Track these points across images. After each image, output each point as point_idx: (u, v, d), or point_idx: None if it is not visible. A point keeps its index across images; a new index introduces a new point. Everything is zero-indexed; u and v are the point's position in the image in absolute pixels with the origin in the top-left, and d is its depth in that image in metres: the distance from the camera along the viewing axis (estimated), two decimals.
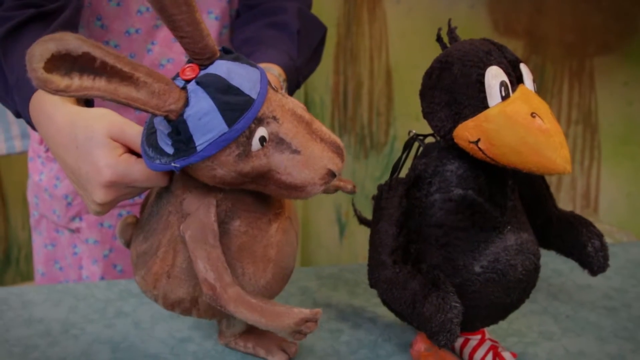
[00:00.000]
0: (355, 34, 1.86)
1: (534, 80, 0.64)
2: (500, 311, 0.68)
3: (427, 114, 0.66)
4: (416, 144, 0.71)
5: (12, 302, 0.88)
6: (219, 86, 0.55)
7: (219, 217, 0.63)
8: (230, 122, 0.55)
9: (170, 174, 0.64)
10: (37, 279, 1.19)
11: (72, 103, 0.69)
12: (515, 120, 0.60)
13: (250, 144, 0.57)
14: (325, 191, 0.68)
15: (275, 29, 0.95)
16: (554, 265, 0.97)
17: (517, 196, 0.68)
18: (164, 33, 0.99)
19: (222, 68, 0.57)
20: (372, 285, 0.67)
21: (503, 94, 0.61)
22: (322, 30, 1.02)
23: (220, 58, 0.58)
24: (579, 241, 0.71)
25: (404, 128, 1.88)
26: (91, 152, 0.62)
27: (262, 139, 0.57)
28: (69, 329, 0.82)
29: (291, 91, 0.92)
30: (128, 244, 0.72)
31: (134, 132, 0.63)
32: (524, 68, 0.63)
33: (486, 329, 0.76)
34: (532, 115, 0.59)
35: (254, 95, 0.56)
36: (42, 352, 0.78)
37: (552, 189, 0.74)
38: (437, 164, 0.66)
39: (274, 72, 0.84)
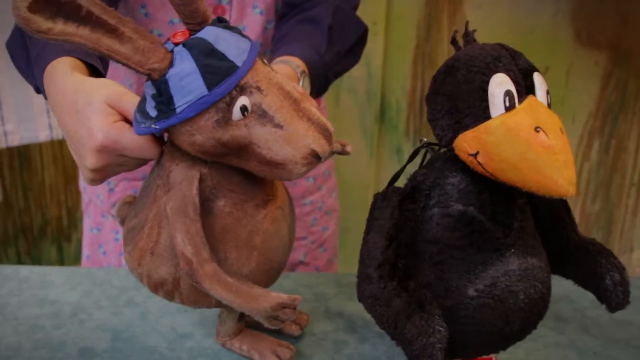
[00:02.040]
0: (434, 39, 1.81)
1: (548, 92, 0.58)
2: (497, 340, 0.63)
3: (430, 121, 0.61)
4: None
5: (33, 281, 0.90)
6: (203, 49, 0.55)
7: (203, 193, 0.62)
8: (210, 85, 0.55)
9: (161, 146, 0.64)
10: (82, 262, 1.21)
11: (82, 74, 0.70)
12: (517, 133, 0.54)
13: (230, 112, 0.56)
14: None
15: (306, 24, 0.93)
16: (593, 296, 0.89)
17: (527, 217, 0.62)
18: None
19: (210, 33, 0.57)
20: (359, 299, 0.63)
21: (507, 104, 0.56)
22: (361, 28, 0.98)
23: (213, 25, 0.58)
24: (597, 272, 0.65)
25: None
26: (88, 117, 0.63)
27: (244, 108, 0.56)
28: (77, 313, 0.83)
29: (319, 86, 0.89)
30: (123, 222, 0.71)
31: (131, 101, 0.63)
32: (537, 77, 0.58)
33: (495, 357, 0.71)
34: (536, 129, 0.54)
35: (238, 63, 0.56)
36: (45, 334, 0.79)
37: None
38: (438, 176, 0.61)
39: (293, 64, 0.81)
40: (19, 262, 2.11)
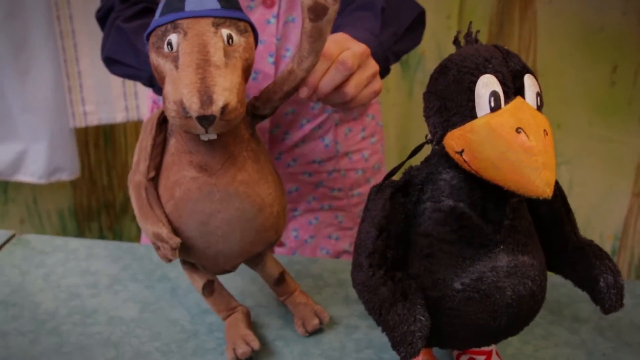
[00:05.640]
0: (506, 34, 1.79)
1: (539, 94, 0.59)
2: (484, 334, 0.64)
3: (425, 118, 0.63)
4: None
5: (80, 253, 0.97)
6: None
7: (170, 126, 0.72)
8: (160, 14, 0.68)
9: None
10: (142, 238, 1.29)
11: None
12: (499, 133, 0.56)
13: (163, 42, 0.66)
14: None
15: (359, 11, 0.95)
16: None
17: (520, 216, 0.63)
18: (257, 15, 1.02)
19: None
20: (353, 286, 0.66)
21: (492, 104, 0.57)
22: (417, 10, 1.00)
23: None
24: (591, 274, 0.65)
25: None
26: None
27: (169, 42, 0.65)
28: (114, 284, 0.89)
29: (380, 66, 0.89)
30: None
31: None
32: (528, 80, 0.59)
33: (496, 350, 0.72)
34: (518, 130, 0.55)
35: (187, 8, 0.66)
36: (81, 301, 0.85)
37: None
38: (431, 171, 0.63)
39: None
40: (101, 236, 2.23)
